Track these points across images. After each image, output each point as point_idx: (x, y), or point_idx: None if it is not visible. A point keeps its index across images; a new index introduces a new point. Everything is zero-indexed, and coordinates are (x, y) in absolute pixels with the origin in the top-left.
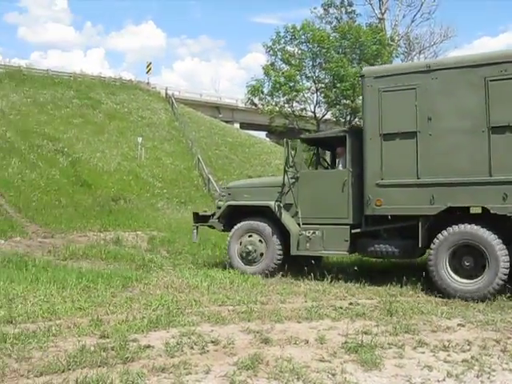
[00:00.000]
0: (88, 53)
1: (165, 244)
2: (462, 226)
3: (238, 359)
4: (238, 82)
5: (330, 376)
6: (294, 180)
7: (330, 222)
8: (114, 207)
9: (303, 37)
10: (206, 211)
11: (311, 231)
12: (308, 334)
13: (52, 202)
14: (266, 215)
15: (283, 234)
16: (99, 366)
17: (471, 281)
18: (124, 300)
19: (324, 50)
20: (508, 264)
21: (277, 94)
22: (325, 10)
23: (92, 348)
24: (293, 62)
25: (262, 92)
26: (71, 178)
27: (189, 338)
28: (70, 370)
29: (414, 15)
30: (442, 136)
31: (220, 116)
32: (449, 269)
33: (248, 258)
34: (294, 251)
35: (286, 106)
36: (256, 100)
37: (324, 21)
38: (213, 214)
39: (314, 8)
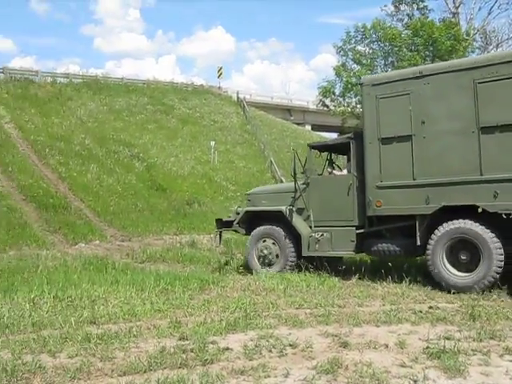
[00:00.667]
0: (160, 60)
1: (240, 246)
2: (456, 222)
3: (316, 363)
4: (307, 84)
5: (411, 382)
6: (304, 185)
7: (338, 224)
8: (189, 210)
9: (374, 36)
10: (229, 217)
11: (320, 233)
12: (387, 339)
13: (129, 206)
14: (280, 220)
15: (296, 237)
16: (179, 368)
17: (467, 274)
18: (202, 302)
19: (396, 49)
20: (502, 257)
21: (349, 94)
22: (395, 7)
23: (172, 349)
24: (364, 61)
25: (334, 93)
26: (147, 182)
27: (267, 341)
28: (151, 370)
29: (491, 7)
30: (435, 138)
31: (291, 118)
32: (446, 263)
33: (265, 261)
34: (305, 252)
35: (359, 106)
36: (327, 101)
37: (395, 18)
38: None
39: (385, 6)
